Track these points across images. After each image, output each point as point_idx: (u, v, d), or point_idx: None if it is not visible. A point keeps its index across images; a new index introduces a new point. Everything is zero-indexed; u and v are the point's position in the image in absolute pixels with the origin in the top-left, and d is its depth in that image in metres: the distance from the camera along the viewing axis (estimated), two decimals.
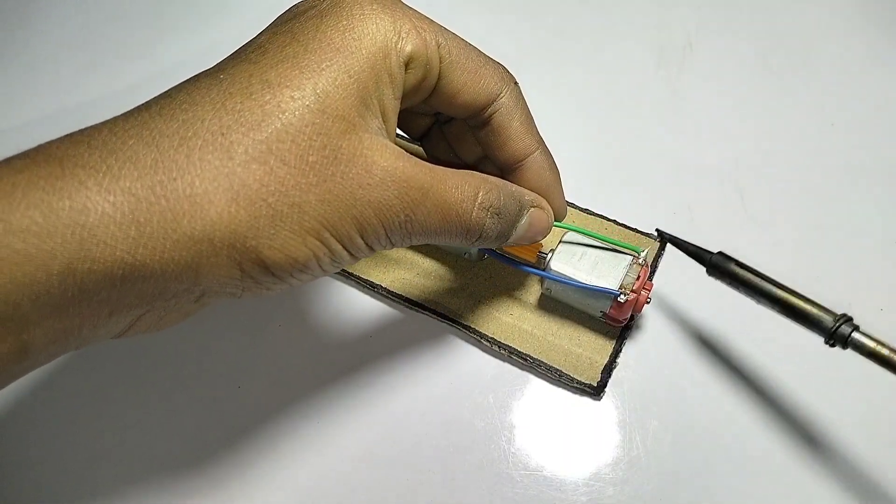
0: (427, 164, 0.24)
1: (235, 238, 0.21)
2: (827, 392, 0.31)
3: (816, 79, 0.42)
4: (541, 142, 0.29)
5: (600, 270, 0.31)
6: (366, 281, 0.34)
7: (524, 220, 0.28)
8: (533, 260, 0.33)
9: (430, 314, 0.33)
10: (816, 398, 0.31)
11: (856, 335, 0.25)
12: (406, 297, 0.34)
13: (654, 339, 0.33)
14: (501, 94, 0.27)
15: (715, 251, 0.29)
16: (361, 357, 0.33)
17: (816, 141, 0.40)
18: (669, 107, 0.41)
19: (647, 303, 0.31)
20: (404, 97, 0.25)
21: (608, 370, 0.31)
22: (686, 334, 0.33)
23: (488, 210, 0.26)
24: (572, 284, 0.31)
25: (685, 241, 0.30)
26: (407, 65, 0.24)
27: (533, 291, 0.34)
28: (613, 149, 0.40)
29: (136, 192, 0.19)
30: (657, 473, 0.30)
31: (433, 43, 0.24)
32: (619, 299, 0.30)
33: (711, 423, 0.31)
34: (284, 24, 0.23)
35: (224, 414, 0.32)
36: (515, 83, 0.28)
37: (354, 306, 0.34)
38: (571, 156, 0.39)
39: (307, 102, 0.21)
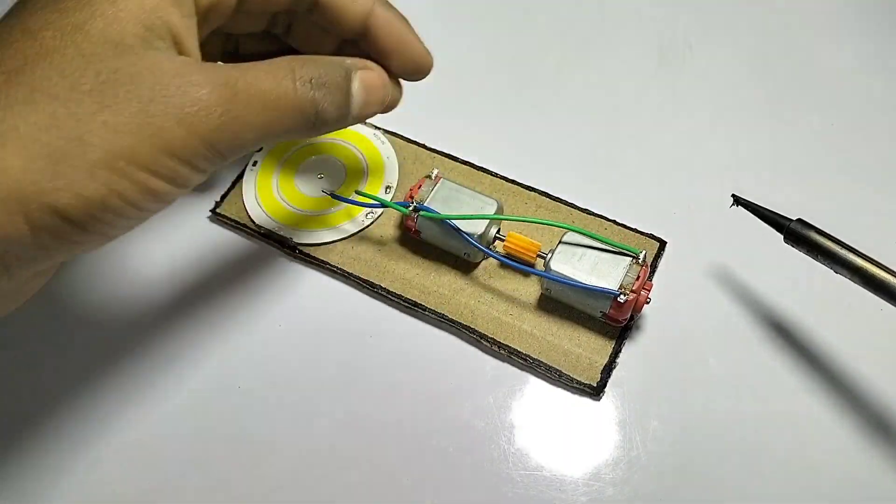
0: (226, 64, 0.23)
1: (10, 187, 0.19)
2: (827, 390, 0.31)
3: (816, 79, 0.42)
4: None
5: (600, 270, 0.31)
6: (366, 281, 0.34)
7: (356, 85, 0.26)
8: (533, 260, 0.33)
9: (430, 314, 0.33)
10: (816, 398, 0.31)
11: None
12: (406, 297, 0.34)
13: (654, 339, 0.33)
14: None
15: (794, 218, 0.29)
16: (361, 357, 0.33)
17: (816, 141, 0.40)
18: (669, 107, 0.41)
19: (647, 303, 0.31)
20: (213, 12, 0.24)
21: (608, 370, 0.31)
22: (686, 334, 0.33)
23: (311, 83, 0.24)
24: (572, 284, 0.31)
25: (762, 207, 0.30)
26: None
27: (533, 291, 0.34)
28: (613, 149, 0.40)
29: None
30: (657, 473, 0.30)
31: None
32: (618, 299, 0.30)
33: (712, 423, 0.31)
34: None
35: (224, 414, 0.32)
36: None
37: (354, 306, 0.34)
38: (571, 156, 0.39)
39: (70, 39, 0.20)
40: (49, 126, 0.19)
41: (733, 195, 0.31)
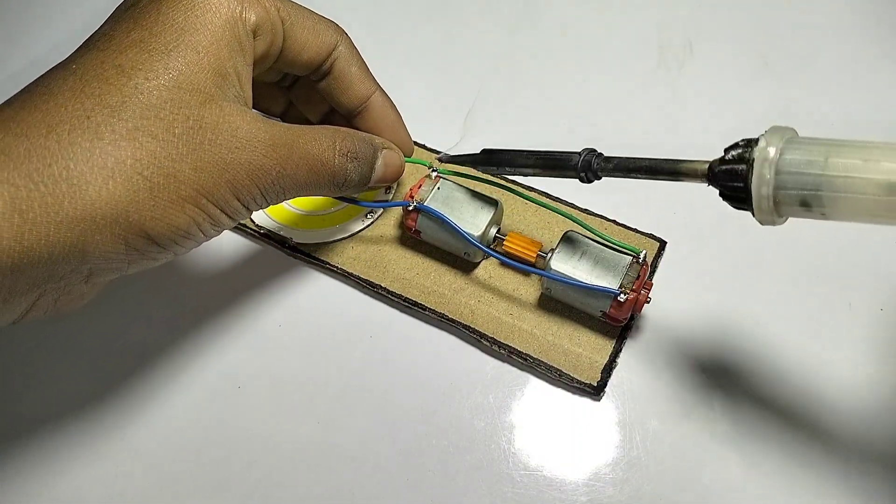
0: (284, 123, 0.27)
1: (117, 213, 0.22)
2: (828, 391, 0.31)
3: (816, 79, 0.42)
4: (377, 84, 0.32)
5: (600, 270, 0.31)
6: (366, 281, 0.34)
7: (379, 161, 0.30)
8: (533, 259, 0.33)
9: (430, 314, 0.33)
10: (817, 398, 0.31)
11: (598, 160, 0.27)
12: (406, 297, 0.34)
13: (654, 338, 0.33)
14: (338, 44, 0.30)
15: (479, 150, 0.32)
16: (361, 357, 0.33)
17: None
18: (669, 107, 0.41)
19: (647, 302, 0.31)
20: (256, 63, 0.27)
21: (608, 370, 0.31)
22: (686, 334, 0.33)
23: (347, 156, 0.28)
24: (572, 284, 0.31)
25: (458, 155, 0.33)
26: (255, 33, 0.26)
27: (533, 291, 0.34)
28: (613, 149, 0.40)
29: (15, 182, 0.20)
30: (657, 473, 0.30)
31: (273, 8, 0.26)
32: (618, 299, 0.30)
33: (711, 423, 0.31)
34: (127, 10, 0.25)
35: (224, 414, 0.32)
36: (346, 34, 0.30)
37: (354, 306, 0.34)
38: None
39: (162, 82, 0.23)
40: (149, 164, 0.22)
41: (438, 158, 0.33)
